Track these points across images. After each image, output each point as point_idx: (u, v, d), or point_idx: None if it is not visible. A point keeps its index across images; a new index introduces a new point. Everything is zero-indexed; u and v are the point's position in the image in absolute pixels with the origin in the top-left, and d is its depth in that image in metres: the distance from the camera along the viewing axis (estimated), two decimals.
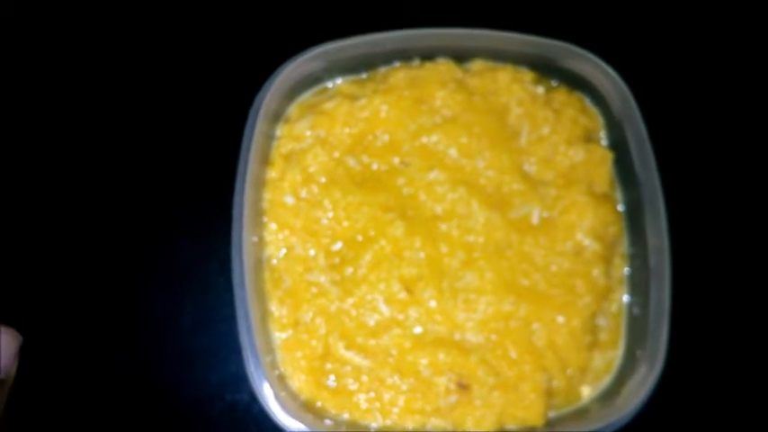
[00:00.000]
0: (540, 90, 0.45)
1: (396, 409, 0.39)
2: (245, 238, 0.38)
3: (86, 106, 0.48)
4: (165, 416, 0.44)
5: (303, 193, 0.42)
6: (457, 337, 0.40)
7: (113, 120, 0.48)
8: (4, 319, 0.36)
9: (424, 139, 0.43)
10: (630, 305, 0.43)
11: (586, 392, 0.41)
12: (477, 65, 0.45)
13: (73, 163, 0.47)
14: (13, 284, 0.45)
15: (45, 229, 0.46)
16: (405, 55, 0.45)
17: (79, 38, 0.50)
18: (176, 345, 0.45)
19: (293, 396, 0.39)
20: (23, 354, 0.37)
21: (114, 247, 0.46)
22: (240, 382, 0.43)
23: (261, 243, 0.41)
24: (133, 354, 0.45)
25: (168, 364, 0.44)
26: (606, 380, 0.42)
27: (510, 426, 0.40)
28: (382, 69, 0.45)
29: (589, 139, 0.44)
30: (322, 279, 0.41)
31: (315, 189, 0.42)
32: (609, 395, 0.41)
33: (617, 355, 0.42)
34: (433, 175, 0.42)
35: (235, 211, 0.39)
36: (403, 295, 0.40)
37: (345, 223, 0.41)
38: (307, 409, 0.39)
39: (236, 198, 0.39)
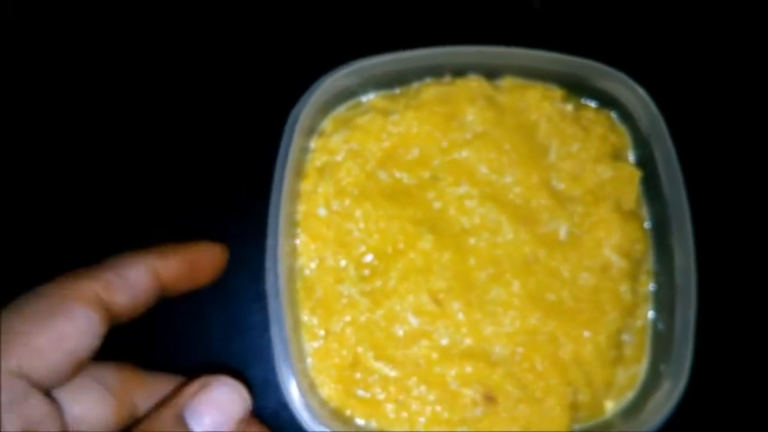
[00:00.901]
0: (570, 107, 0.45)
1: (422, 419, 0.40)
2: (280, 248, 0.39)
3: (122, 117, 0.49)
4: None
5: (335, 206, 0.43)
6: (484, 349, 0.41)
7: (150, 132, 0.49)
8: None
9: (455, 155, 0.44)
10: (655, 321, 0.43)
11: (610, 407, 0.42)
12: (507, 82, 0.46)
13: (104, 175, 0.48)
14: None
15: (76, 238, 0.47)
16: (436, 71, 0.45)
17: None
18: (205, 352, 0.46)
19: (323, 403, 0.40)
20: None
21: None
22: (268, 389, 0.43)
23: (294, 254, 0.42)
24: (160, 363, 0.45)
25: (197, 371, 0.45)
26: (630, 395, 0.42)
27: None
28: (414, 85, 0.46)
29: (617, 156, 0.45)
30: (352, 290, 0.41)
31: (347, 202, 0.43)
32: (632, 410, 0.41)
33: (641, 370, 0.43)
34: (462, 189, 0.43)
35: (270, 223, 0.40)
36: (431, 307, 0.41)
37: (376, 236, 0.42)
38: (336, 417, 0.40)
39: (272, 210, 0.40)
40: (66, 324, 0.32)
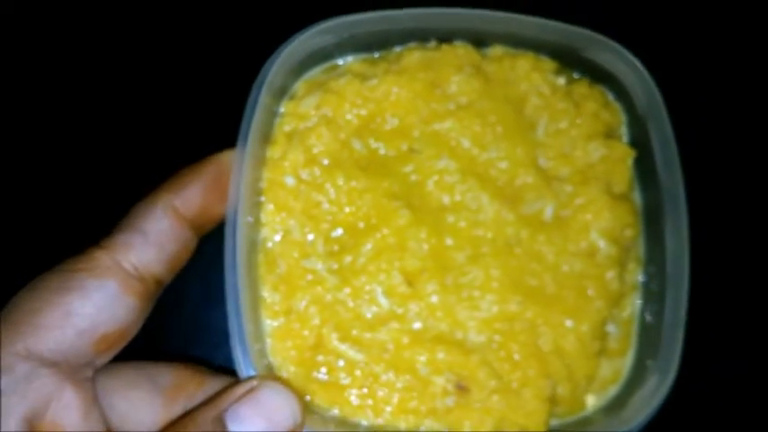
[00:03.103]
0: (561, 81, 0.43)
1: (389, 408, 0.37)
2: (240, 218, 0.36)
3: (85, 81, 0.47)
4: None
5: (304, 175, 0.40)
6: (458, 335, 0.38)
7: (112, 94, 0.47)
8: None
9: (436, 126, 0.41)
10: (643, 312, 0.41)
11: (591, 402, 0.40)
12: (496, 50, 0.43)
13: (72, 140, 0.47)
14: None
15: (52, 203, 0.46)
16: (421, 35, 0.42)
17: (78, 18, 0.48)
18: (182, 322, 0.43)
19: None
20: None
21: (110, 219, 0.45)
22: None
23: (256, 224, 0.39)
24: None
25: (174, 341, 0.43)
26: (613, 390, 0.40)
27: None
28: (396, 49, 0.43)
29: (610, 135, 0.42)
30: (319, 266, 0.39)
31: (317, 171, 0.40)
32: (615, 406, 0.39)
33: (626, 364, 0.40)
34: (442, 163, 0.40)
35: (231, 189, 0.37)
36: (403, 288, 0.38)
37: (347, 209, 0.39)
38: None
39: (234, 175, 0.37)
40: (76, 300, 0.30)
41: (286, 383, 0.32)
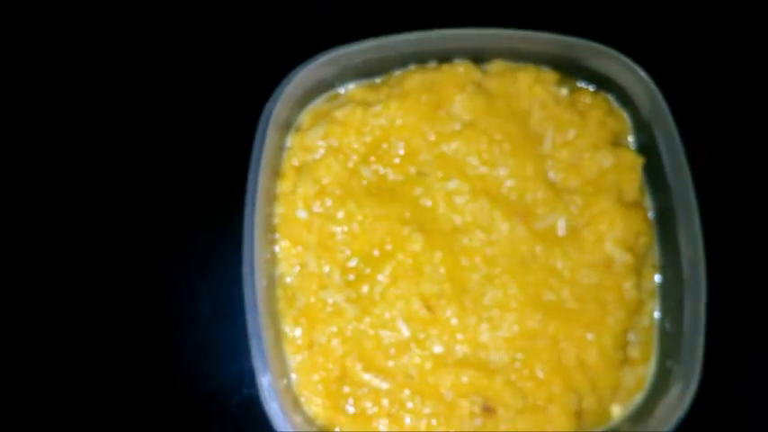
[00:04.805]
0: (564, 91, 0.43)
1: None
2: (257, 255, 0.36)
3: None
4: (180, 409, 0.43)
5: (316, 207, 0.40)
6: (481, 356, 0.38)
7: (120, 129, 0.47)
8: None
9: (443, 147, 0.41)
10: (662, 319, 0.40)
11: (617, 412, 0.39)
12: (496, 66, 0.43)
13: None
14: (32, 277, 0.44)
15: (68, 228, 0.45)
16: (420, 57, 0.42)
17: (84, 40, 0.48)
18: (194, 338, 0.44)
19: (310, 421, 0.38)
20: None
21: (129, 241, 0.45)
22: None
23: (273, 260, 0.39)
24: (150, 347, 0.44)
25: (185, 357, 0.43)
26: (638, 398, 0.40)
27: None
28: (397, 73, 0.43)
29: (617, 143, 0.42)
30: (338, 297, 0.39)
31: (328, 202, 0.40)
32: (641, 414, 0.39)
33: (648, 371, 0.40)
34: (452, 184, 0.40)
35: (246, 227, 0.37)
36: (423, 313, 0.38)
37: (361, 238, 0.39)
38: None
39: (247, 213, 0.37)
40: None
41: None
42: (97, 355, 0.43)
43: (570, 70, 0.43)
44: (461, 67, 0.42)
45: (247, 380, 0.42)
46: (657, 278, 0.41)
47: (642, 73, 0.40)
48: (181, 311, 0.44)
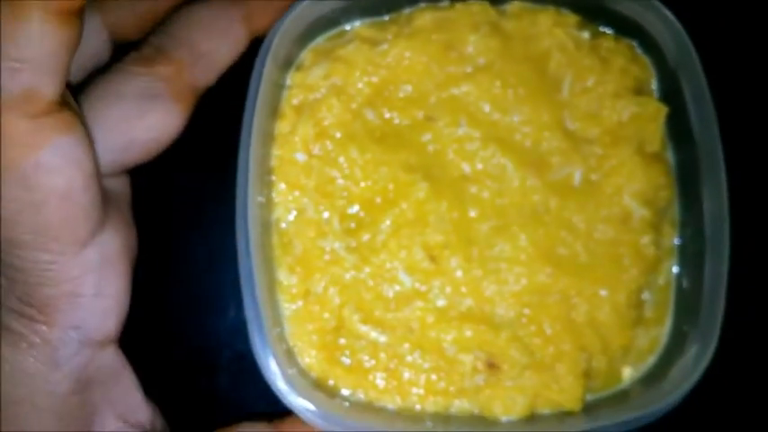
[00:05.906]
0: (586, 35, 0.40)
1: (416, 390, 0.36)
2: (251, 199, 0.35)
3: None
4: (169, 363, 0.42)
5: (316, 150, 0.38)
6: (486, 311, 0.36)
7: None
8: None
9: (453, 91, 0.38)
10: (680, 278, 0.39)
11: (628, 374, 0.38)
12: (514, 6, 0.40)
13: None
14: None
15: None
16: None
17: None
18: (187, 287, 0.43)
19: (303, 373, 0.36)
20: None
21: None
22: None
23: (269, 204, 0.37)
24: (135, 299, 0.42)
25: (180, 307, 0.42)
26: (651, 360, 0.38)
27: (543, 410, 0.36)
28: (407, 10, 0.40)
29: (640, 91, 0.40)
30: (336, 245, 0.37)
31: (329, 145, 0.38)
32: (653, 377, 0.37)
33: (663, 333, 0.38)
34: (462, 130, 0.38)
35: (240, 169, 0.35)
36: (426, 264, 0.37)
37: (363, 184, 0.37)
38: (318, 388, 0.36)
39: (242, 154, 0.35)
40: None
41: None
42: None
43: (593, 13, 0.40)
44: (477, 6, 0.39)
45: (239, 334, 0.41)
46: (677, 236, 0.39)
47: (671, 16, 0.38)
48: (168, 260, 0.42)
